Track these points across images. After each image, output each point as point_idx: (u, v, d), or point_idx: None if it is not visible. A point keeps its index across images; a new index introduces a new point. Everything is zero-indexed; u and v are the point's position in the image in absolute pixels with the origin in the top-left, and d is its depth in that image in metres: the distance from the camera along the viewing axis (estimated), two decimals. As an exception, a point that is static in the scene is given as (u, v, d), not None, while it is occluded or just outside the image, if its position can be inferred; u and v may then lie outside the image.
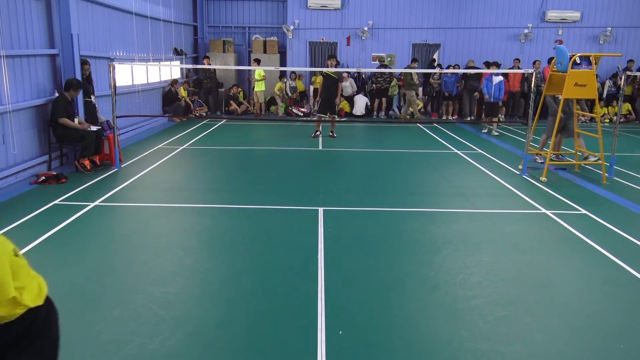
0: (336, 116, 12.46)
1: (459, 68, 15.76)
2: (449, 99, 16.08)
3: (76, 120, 8.40)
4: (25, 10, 7.79)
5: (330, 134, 12.20)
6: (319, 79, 14.93)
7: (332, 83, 11.94)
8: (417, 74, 15.37)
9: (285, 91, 16.38)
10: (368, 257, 5.00)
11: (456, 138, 12.36)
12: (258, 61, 15.91)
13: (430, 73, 15.90)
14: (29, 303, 2.04)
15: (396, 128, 14.35)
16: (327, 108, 12.01)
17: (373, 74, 16.20)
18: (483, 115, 13.69)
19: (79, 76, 8.68)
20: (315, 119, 13.97)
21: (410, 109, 15.50)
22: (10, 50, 7.42)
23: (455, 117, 16.17)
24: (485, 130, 13.40)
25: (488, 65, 14.22)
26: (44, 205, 6.33)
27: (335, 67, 14.16)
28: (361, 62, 17.19)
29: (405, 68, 16.12)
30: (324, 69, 11.93)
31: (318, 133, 12.18)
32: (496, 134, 13.00)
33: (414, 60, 15.92)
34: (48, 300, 2.19)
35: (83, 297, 4.07)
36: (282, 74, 16.36)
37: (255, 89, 15.87)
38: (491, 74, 12.90)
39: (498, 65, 13.85)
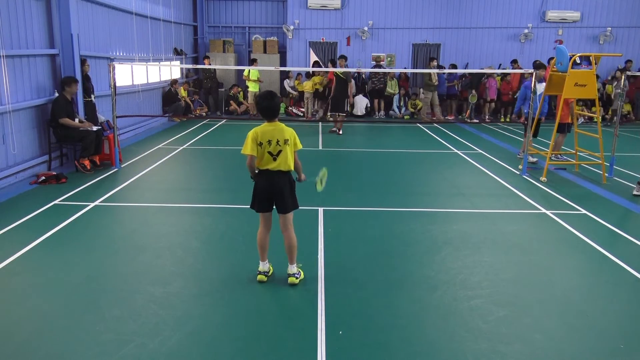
0: (344, 115, 12.85)
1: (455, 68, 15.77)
2: (448, 99, 16.12)
3: (76, 120, 8.40)
4: (25, 10, 7.79)
5: (336, 131, 12.65)
6: (318, 79, 14.89)
7: (339, 83, 12.41)
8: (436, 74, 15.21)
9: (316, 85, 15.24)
10: (368, 257, 5.00)
11: (456, 138, 12.36)
12: (255, 61, 15.87)
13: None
14: None
15: (396, 128, 14.36)
16: (337, 107, 12.61)
17: (372, 74, 16.20)
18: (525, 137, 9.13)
19: (78, 76, 8.67)
20: (316, 118, 14.91)
21: (419, 108, 15.62)
22: (10, 50, 7.42)
23: (452, 117, 16.19)
24: (535, 160, 9.51)
25: (540, 66, 9.66)
26: (44, 205, 6.33)
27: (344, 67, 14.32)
28: (361, 62, 17.19)
29: (424, 68, 15.99)
30: (335, 69, 12.37)
31: (335, 129, 12.80)
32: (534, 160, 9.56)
33: (432, 59, 15.48)
34: None
35: (83, 297, 4.07)
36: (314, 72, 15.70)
37: (249, 89, 15.83)
38: (530, 81, 9.02)
39: (544, 68, 9.73)
